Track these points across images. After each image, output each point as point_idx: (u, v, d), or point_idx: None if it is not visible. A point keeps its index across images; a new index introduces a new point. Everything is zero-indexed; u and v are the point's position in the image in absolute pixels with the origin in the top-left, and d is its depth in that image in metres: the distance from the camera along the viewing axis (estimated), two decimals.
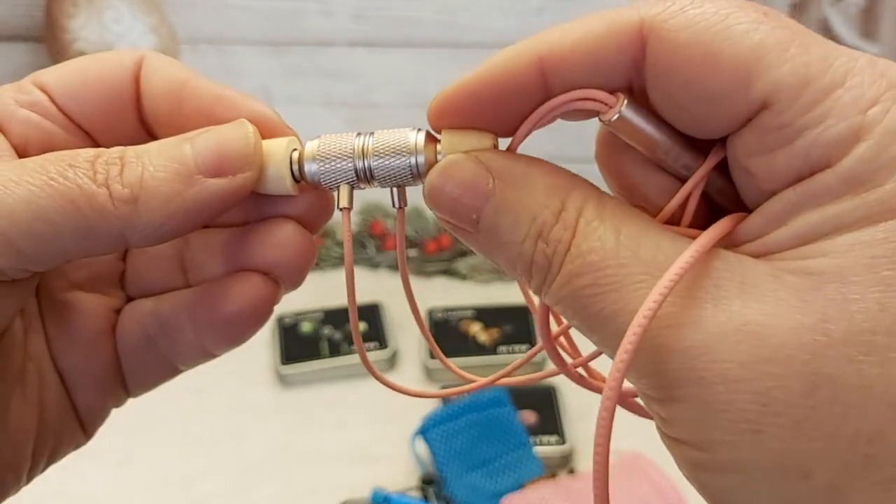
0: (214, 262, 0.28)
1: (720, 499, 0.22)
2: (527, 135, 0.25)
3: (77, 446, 0.29)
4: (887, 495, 0.20)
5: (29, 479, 0.28)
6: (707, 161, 0.25)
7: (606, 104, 0.24)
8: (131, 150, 0.25)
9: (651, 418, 0.24)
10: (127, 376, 0.29)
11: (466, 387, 0.31)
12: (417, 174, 0.26)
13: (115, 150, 0.25)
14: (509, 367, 0.30)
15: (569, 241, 0.23)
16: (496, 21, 0.98)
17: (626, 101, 0.24)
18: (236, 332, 0.28)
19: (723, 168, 0.24)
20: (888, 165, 0.20)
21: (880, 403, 0.19)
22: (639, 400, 0.25)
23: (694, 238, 0.23)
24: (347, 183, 0.26)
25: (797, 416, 0.20)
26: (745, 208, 0.24)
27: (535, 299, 0.26)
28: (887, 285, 0.20)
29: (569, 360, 0.28)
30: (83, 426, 0.29)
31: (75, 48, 0.87)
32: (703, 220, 0.25)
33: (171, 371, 0.30)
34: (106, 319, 0.29)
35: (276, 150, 0.26)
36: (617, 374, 0.21)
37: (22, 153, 0.26)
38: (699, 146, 0.25)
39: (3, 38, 0.95)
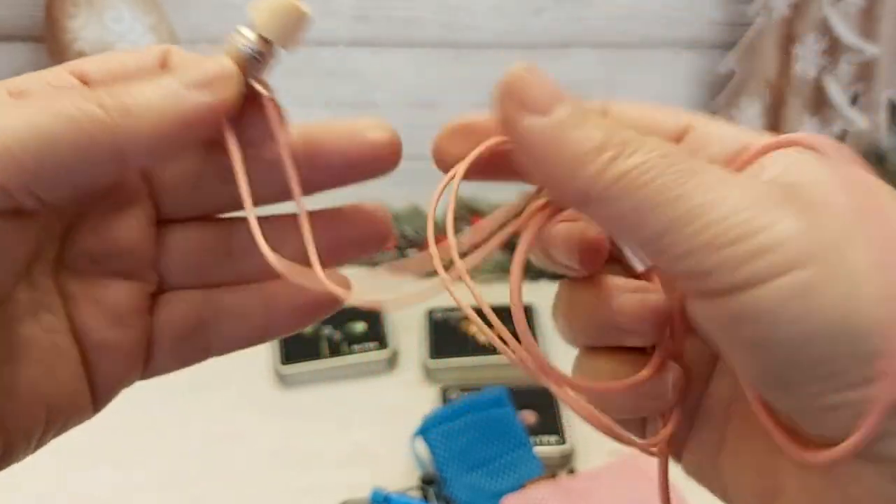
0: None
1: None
2: None
3: (83, 420, 0.30)
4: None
5: (37, 447, 0.28)
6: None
7: None
8: (117, 84, 0.26)
9: (626, 442, 0.24)
10: (155, 358, 0.30)
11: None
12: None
13: (101, 86, 0.26)
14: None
15: (637, 145, 0.24)
16: (496, 21, 0.98)
17: None
18: (315, 313, 0.30)
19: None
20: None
21: None
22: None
23: None
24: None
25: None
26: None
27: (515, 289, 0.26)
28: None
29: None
30: (95, 401, 0.29)
31: (75, 48, 0.87)
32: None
33: (203, 357, 0.31)
34: (141, 302, 0.29)
35: None
36: None
37: None
38: None
39: (3, 38, 0.95)
